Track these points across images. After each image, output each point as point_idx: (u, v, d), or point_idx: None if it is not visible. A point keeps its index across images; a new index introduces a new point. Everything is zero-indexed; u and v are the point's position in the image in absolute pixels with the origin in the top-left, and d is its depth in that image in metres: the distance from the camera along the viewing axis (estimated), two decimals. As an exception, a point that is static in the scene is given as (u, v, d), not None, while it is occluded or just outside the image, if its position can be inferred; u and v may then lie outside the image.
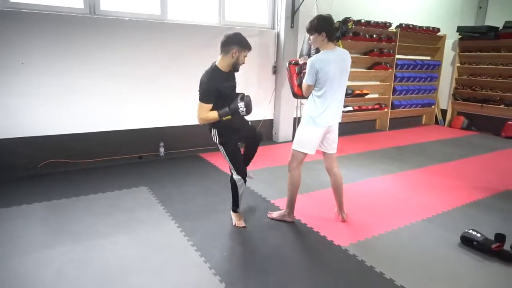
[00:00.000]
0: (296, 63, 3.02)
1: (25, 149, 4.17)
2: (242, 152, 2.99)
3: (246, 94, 2.70)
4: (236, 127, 2.79)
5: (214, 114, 2.60)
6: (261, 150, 5.32)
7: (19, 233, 2.75)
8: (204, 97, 2.57)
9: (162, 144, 4.93)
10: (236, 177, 2.88)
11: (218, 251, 2.61)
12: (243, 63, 2.70)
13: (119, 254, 2.53)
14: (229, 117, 2.61)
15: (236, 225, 2.97)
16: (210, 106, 2.60)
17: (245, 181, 2.93)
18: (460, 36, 7.60)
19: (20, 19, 3.90)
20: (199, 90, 2.62)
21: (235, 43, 2.58)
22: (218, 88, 2.59)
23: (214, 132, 2.76)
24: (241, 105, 2.61)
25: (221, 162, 4.65)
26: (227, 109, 2.60)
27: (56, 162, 4.34)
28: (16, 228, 2.83)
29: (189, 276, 2.32)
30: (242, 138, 2.97)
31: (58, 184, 3.75)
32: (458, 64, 7.75)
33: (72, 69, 4.26)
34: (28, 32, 3.95)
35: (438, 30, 7.40)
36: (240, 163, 2.89)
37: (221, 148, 2.81)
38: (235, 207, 3.03)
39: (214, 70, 2.61)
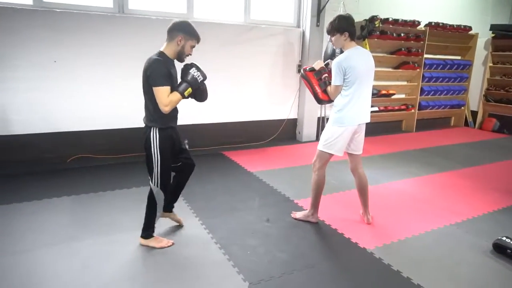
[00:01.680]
0: (312, 69, 2.88)
1: (54, 144, 4.31)
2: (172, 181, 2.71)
3: (191, 62, 2.45)
4: (176, 138, 2.60)
5: (176, 95, 2.32)
6: (284, 149, 5.35)
7: (49, 225, 2.85)
8: (159, 80, 2.27)
9: (186, 141, 4.94)
10: (157, 190, 2.50)
11: (241, 249, 2.61)
12: (190, 54, 2.46)
13: (143, 248, 2.57)
14: (190, 90, 2.37)
15: (163, 246, 2.56)
16: (169, 88, 2.32)
17: (165, 200, 2.61)
18: (493, 35, 7.31)
19: (54, 18, 4.03)
20: (148, 77, 2.30)
21: (181, 30, 2.35)
22: (169, 70, 2.35)
23: (154, 132, 2.42)
24: (194, 73, 2.38)
25: (244, 160, 4.66)
26: (185, 83, 2.35)
27: (84, 157, 4.46)
28: (46, 220, 2.92)
29: (213, 273, 2.33)
30: (176, 160, 2.66)
31: (86, 179, 3.85)
32: (491, 64, 7.46)
33: (101, 67, 4.36)
34: (61, 30, 4.08)
35: (470, 28, 7.14)
36: (167, 177, 2.55)
37: (155, 153, 2.43)
38: (149, 231, 2.57)
39: (160, 55, 2.36)
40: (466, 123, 7.79)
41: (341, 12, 5.07)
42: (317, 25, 5.52)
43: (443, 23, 6.75)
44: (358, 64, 2.68)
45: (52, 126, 4.27)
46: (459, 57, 7.53)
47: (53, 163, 4.24)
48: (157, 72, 2.28)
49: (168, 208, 2.87)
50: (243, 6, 5.23)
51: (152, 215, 2.57)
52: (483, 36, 7.40)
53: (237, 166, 4.48)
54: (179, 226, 2.91)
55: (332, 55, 4.91)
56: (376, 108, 6.36)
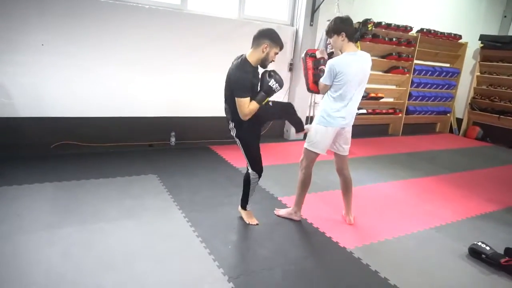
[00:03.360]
0: (313, 55, 2.89)
1: (39, 129, 4.23)
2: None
3: (270, 70, 2.56)
4: (258, 121, 2.71)
5: (254, 105, 2.49)
6: (271, 147, 5.36)
7: (29, 211, 2.80)
8: (243, 92, 2.45)
9: (173, 133, 4.95)
10: (251, 172, 2.80)
11: (223, 244, 2.62)
12: (273, 61, 2.60)
13: (124, 239, 2.55)
14: (267, 99, 2.54)
15: (249, 223, 2.93)
16: (249, 99, 2.48)
17: (259, 177, 2.84)
18: (482, 45, 7.46)
19: (43, 0, 3.93)
20: (233, 86, 2.47)
21: (267, 37, 2.50)
22: (251, 81, 2.51)
23: (232, 124, 2.70)
24: (272, 82, 2.49)
25: (231, 155, 4.66)
26: (262, 93, 2.50)
27: (69, 144, 4.39)
28: (27, 206, 2.87)
29: (193, 267, 2.33)
30: (269, 120, 2.87)
31: (69, 166, 3.80)
32: (478, 73, 7.61)
33: (90, 53, 4.29)
34: (50, 13, 3.99)
35: (460, 37, 7.26)
36: (257, 159, 2.78)
37: (238, 141, 2.75)
38: (245, 204, 2.98)
39: (244, 63, 2.50)
40: (451, 130, 7.94)
41: (335, 13, 5.09)
42: (311, 25, 5.54)
43: (434, 30, 6.85)
44: (352, 70, 2.65)
45: (37, 111, 4.18)
46: (448, 65, 7.65)
47: (37, 148, 4.16)
48: (242, 85, 2.45)
49: None
50: (237, 1, 5.20)
51: (248, 192, 2.89)
52: (473, 46, 7.53)
53: (224, 161, 4.48)
54: (162, 218, 2.90)
55: (325, 49, 4.93)
56: (364, 111, 6.43)
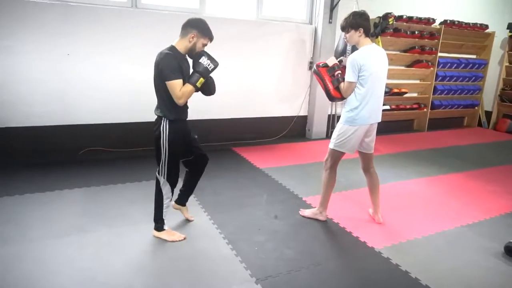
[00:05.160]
0: (325, 65, 2.83)
1: (67, 136, 4.36)
2: (184, 176, 2.84)
3: (201, 50, 2.43)
4: (187, 131, 2.62)
5: (188, 87, 2.34)
6: (294, 146, 5.34)
7: (61, 216, 2.89)
8: (172, 73, 2.30)
9: (196, 136, 4.98)
10: (163, 182, 2.54)
11: (249, 245, 2.62)
12: None
13: (151, 241, 2.59)
14: (203, 80, 2.37)
15: (176, 240, 2.60)
16: (180, 81, 2.33)
17: (173, 192, 2.62)
18: (510, 34, 7.16)
19: (68, 11, 4.05)
20: (160, 71, 2.33)
21: (195, 27, 2.38)
22: (179, 64, 2.35)
23: (164, 123, 2.43)
24: (202, 59, 2.36)
25: (254, 157, 4.66)
26: (195, 73, 2.36)
27: (96, 150, 4.51)
28: (58, 211, 2.97)
29: (220, 268, 2.34)
30: (188, 153, 2.69)
31: (97, 171, 3.90)
32: (507, 64, 7.31)
33: (113, 61, 4.39)
34: (74, 24, 4.11)
35: (486, 26, 7.00)
36: (175, 170, 2.55)
37: (164, 144, 2.45)
38: (159, 223, 2.61)
39: (171, 49, 2.38)
40: (480, 124, 7.67)
41: (354, 9, 5.01)
42: (330, 22, 5.47)
43: (459, 21, 6.63)
44: (373, 62, 2.65)
45: (64, 118, 4.32)
46: (474, 56, 7.40)
47: (65, 155, 4.29)
48: (168, 67, 2.30)
49: (181, 201, 2.90)
50: (255, 2, 5.20)
51: (159, 207, 2.60)
52: (500, 35, 7.25)
53: (246, 162, 4.49)
54: (188, 220, 2.93)
55: (343, 52, 4.87)
56: (387, 107, 6.30)
